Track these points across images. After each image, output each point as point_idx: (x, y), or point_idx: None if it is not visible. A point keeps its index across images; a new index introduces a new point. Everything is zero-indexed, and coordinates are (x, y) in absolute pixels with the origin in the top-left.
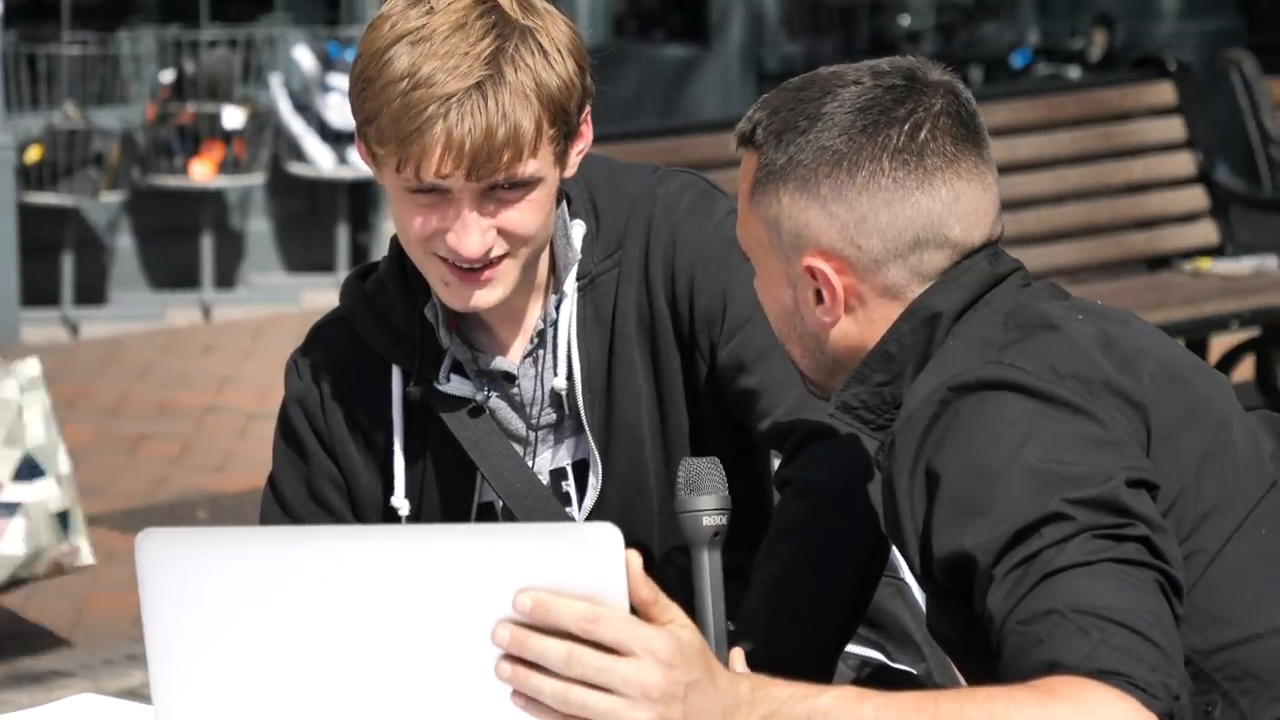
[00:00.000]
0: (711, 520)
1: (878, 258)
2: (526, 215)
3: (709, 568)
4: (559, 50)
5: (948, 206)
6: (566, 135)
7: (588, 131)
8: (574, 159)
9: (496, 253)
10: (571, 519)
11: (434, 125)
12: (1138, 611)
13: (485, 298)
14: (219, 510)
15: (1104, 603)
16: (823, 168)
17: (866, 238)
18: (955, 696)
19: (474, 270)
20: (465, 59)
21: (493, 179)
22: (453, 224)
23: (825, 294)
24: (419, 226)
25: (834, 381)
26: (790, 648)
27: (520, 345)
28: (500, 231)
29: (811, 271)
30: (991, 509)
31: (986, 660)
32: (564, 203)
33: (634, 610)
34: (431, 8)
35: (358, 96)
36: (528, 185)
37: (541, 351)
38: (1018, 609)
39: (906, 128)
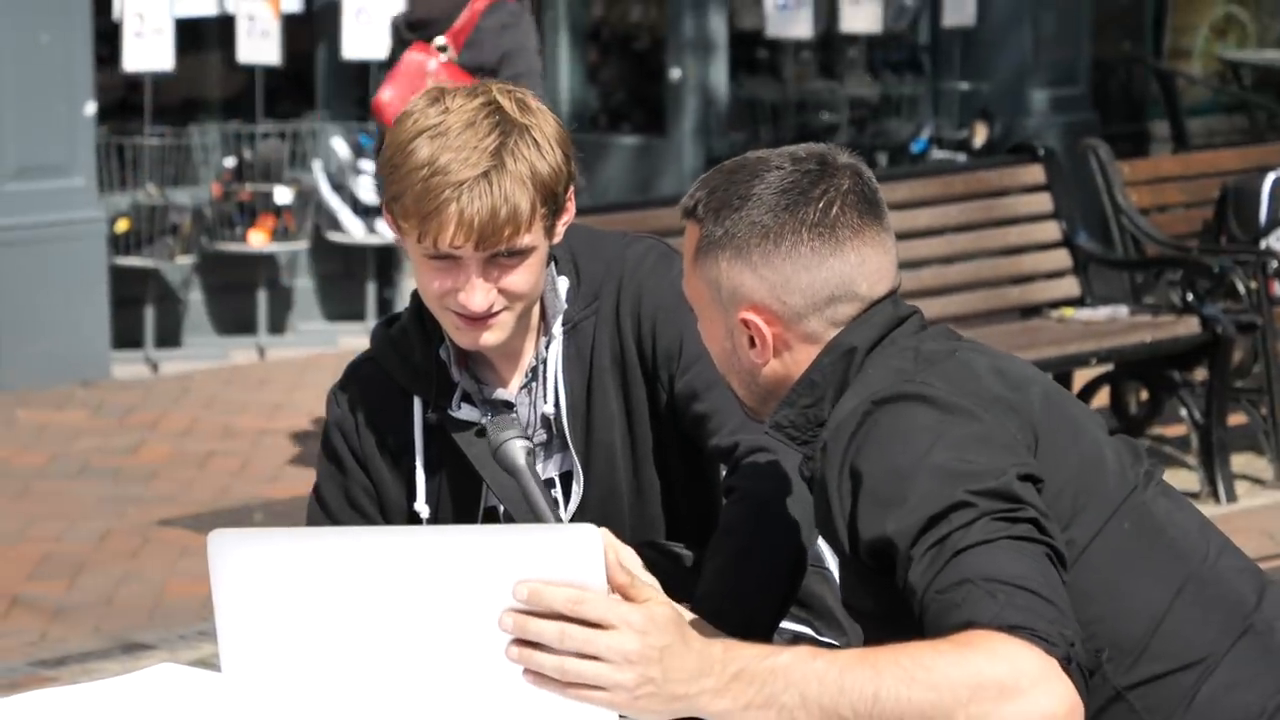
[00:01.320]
0: (523, 443)
1: (800, 311)
2: (522, 277)
3: (534, 487)
4: (550, 143)
5: (856, 269)
6: (554, 212)
7: (571, 207)
8: (560, 229)
9: (497, 308)
10: (559, 520)
11: (449, 206)
12: (1034, 577)
13: (489, 339)
14: (272, 514)
15: (1006, 571)
16: (753, 239)
17: (790, 295)
18: (889, 650)
19: (480, 319)
20: (475, 152)
21: (495, 249)
22: (463, 285)
23: (757, 340)
24: (436, 286)
25: (766, 408)
26: (735, 624)
27: (517, 379)
28: (501, 291)
29: (745, 322)
30: (907, 500)
31: (893, 628)
32: (552, 263)
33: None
34: (447, 108)
35: (386, 179)
36: (524, 253)
37: (534, 384)
38: (935, 581)
39: (821, 205)
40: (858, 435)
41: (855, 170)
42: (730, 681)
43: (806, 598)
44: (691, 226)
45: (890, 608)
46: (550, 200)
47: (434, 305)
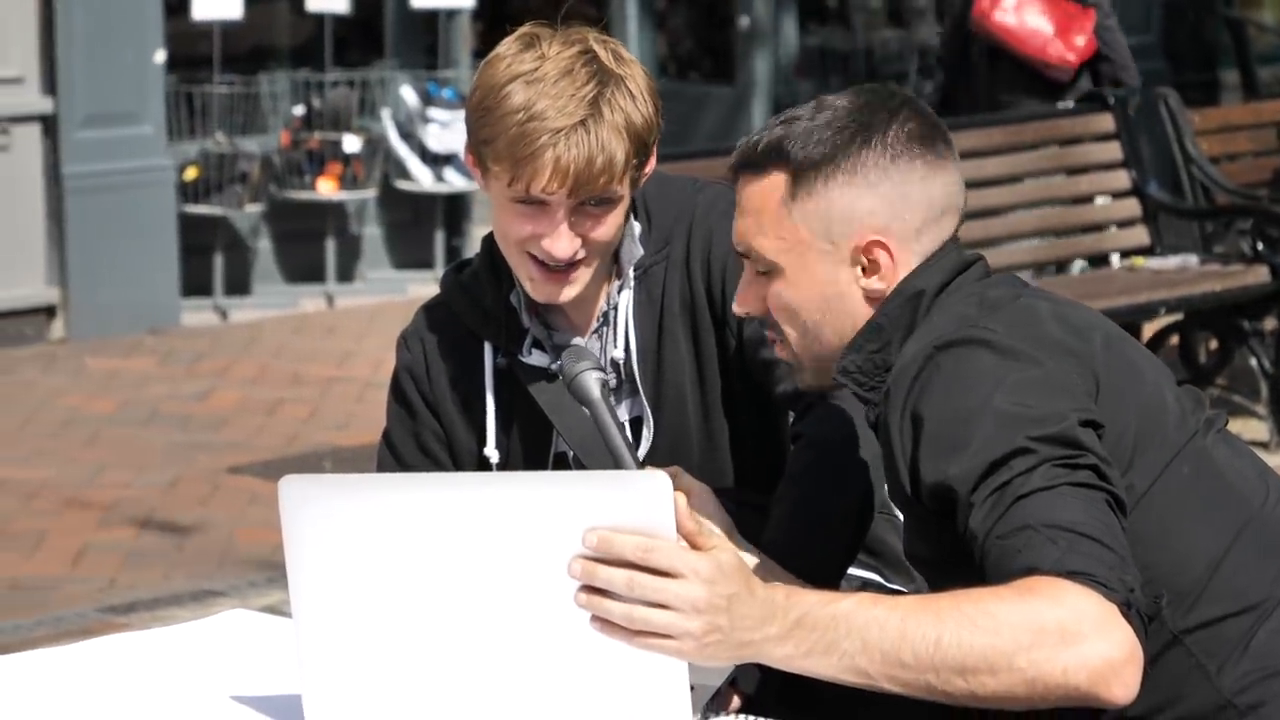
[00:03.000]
0: (597, 375)
1: (918, 227)
2: (607, 226)
3: (609, 418)
4: (643, 94)
5: (956, 184)
6: (642, 163)
7: (654, 158)
8: (642, 180)
9: (579, 256)
10: (634, 454)
11: (545, 152)
12: (1094, 524)
13: (566, 294)
14: (341, 461)
15: (1067, 518)
16: (868, 157)
17: (910, 210)
18: (951, 596)
19: (558, 271)
20: (572, 100)
21: (587, 197)
22: (548, 230)
23: (882, 265)
24: (525, 231)
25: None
26: (801, 570)
27: (588, 325)
28: (584, 241)
29: (867, 248)
30: (969, 445)
31: (954, 575)
32: (629, 211)
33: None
34: (543, 54)
35: (476, 121)
36: (611, 203)
37: (605, 329)
38: (996, 526)
39: (913, 123)
40: (919, 379)
41: (914, 103)
42: (793, 628)
43: (874, 544)
44: (775, 172)
45: (950, 554)
46: (641, 151)
47: (512, 252)
